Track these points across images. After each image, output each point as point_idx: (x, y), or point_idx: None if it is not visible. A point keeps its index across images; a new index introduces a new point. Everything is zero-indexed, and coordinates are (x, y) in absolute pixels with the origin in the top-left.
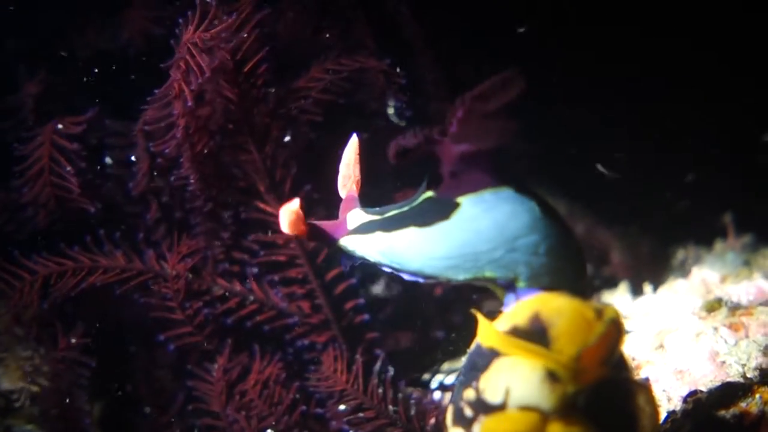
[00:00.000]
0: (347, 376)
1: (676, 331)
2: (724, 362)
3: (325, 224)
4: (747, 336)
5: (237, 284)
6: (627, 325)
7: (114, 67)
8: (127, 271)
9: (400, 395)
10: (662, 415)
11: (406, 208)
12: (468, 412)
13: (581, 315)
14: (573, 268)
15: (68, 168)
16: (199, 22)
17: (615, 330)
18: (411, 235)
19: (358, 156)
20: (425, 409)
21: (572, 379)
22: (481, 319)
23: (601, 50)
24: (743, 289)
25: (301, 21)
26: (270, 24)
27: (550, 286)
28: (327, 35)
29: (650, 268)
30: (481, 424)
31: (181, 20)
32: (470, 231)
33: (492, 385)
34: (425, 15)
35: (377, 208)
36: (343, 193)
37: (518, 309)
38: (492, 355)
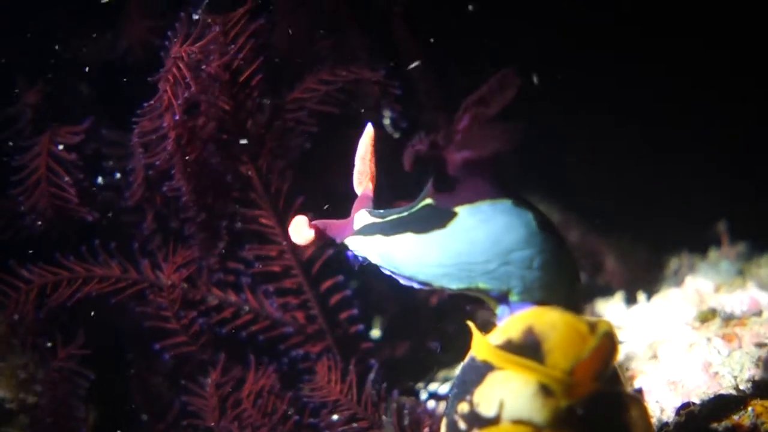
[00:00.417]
0: (341, 386)
1: (670, 341)
2: (717, 373)
3: (335, 223)
4: (740, 347)
5: (232, 294)
6: (620, 335)
7: (113, 77)
8: (122, 281)
9: (393, 405)
10: (655, 428)
11: (405, 214)
12: (462, 425)
13: (574, 329)
14: (567, 283)
15: (66, 178)
16: (186, 35)
17: (608, 344)
18: (407, 240)
19: (372, 148)
20: (419, 418)
21: (565, 393)
22: (476, 332)
23: (594, 57)
24: (737, 300)
25: (296, 32)
26: (264, 35)
27: (542, 301)
28: (321, 46)
29: (644, 276)
30: None
31: (170, 33)
32: (465, 241)
33: (486, 398)
34: (419, 26)
35: (381, 211)
36: (358, 190)
37: (512, 322)
38: (486, 368)
